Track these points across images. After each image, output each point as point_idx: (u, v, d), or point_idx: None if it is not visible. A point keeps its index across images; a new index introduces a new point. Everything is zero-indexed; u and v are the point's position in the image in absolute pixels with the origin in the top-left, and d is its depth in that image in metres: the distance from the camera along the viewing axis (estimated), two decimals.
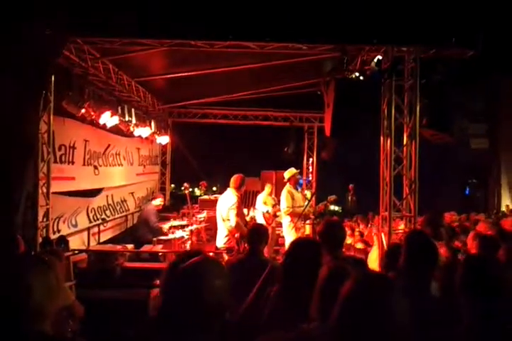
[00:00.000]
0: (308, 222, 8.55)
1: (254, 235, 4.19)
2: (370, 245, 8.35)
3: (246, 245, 6.16)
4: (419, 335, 1.74)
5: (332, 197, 9.08)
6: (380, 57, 6.34)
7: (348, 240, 9.30)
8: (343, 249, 8.79)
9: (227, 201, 6.60)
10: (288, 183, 8.14)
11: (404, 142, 6.42)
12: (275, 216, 9.16)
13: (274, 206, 9.27)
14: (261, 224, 6.17)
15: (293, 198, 7.85)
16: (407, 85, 6.37)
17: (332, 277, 2.10)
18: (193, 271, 1.70)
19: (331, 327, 1.50)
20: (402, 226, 6.70)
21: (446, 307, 2.27)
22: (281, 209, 8.03)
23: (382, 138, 6.50)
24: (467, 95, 17.39)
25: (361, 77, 6.39)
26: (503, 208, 17.50)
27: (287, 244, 7.52)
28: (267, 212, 9.28)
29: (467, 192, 21.89)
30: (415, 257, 2.61)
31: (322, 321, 1.92)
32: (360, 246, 8.89)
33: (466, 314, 2.00)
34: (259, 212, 9.50)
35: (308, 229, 9.03)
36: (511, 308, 2.00)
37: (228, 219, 6.54)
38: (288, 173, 8.23)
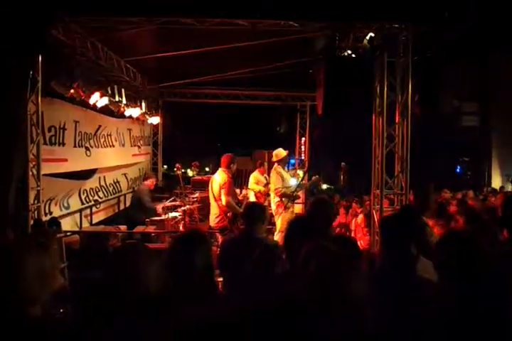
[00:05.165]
0: (297, 201, 8.55)
1: (249, 214, 4.13)
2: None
3: (240, 224, 6.18)
4: (400, 312, 1.75)
5: (316, 178, 9.11)
6: (372, 35, 6.26)
7: (343, 220, 9.41)
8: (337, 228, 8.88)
9: (218, 181, 6.62)
10: (276, 163, 8.04)
11: (397, 120, 6.41)
12: (267, 195, 9.17)
13: (265, 185, 9.27)
14: (257, 203, 6.10)
15: (282, 179, 7.79)
16: (400, 63, 6.31)
17: (310, 255, 2.15)
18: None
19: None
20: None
21: (431, 285, 2.24)
22: (272, 190, 8.01)
23: (374, 116, 6.48)
24: (459, 73, 17.34)
25: (353, 55, 6.33)
26: (494, 185, 17.63)
27: (277, 224, 7.54)
28: (259, 191, 9.28)
29: (458, 170, 22.03)
30: (401, 234, 2.60)
31: None
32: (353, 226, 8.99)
33: (447, 292, 1.97)
34: (251, 191, 9.51)
35: (297, 208, 9.06)
36: (490, 286, 1.94)
37: (220, 199, 6.55)
38: (276, 155, 8.12)
